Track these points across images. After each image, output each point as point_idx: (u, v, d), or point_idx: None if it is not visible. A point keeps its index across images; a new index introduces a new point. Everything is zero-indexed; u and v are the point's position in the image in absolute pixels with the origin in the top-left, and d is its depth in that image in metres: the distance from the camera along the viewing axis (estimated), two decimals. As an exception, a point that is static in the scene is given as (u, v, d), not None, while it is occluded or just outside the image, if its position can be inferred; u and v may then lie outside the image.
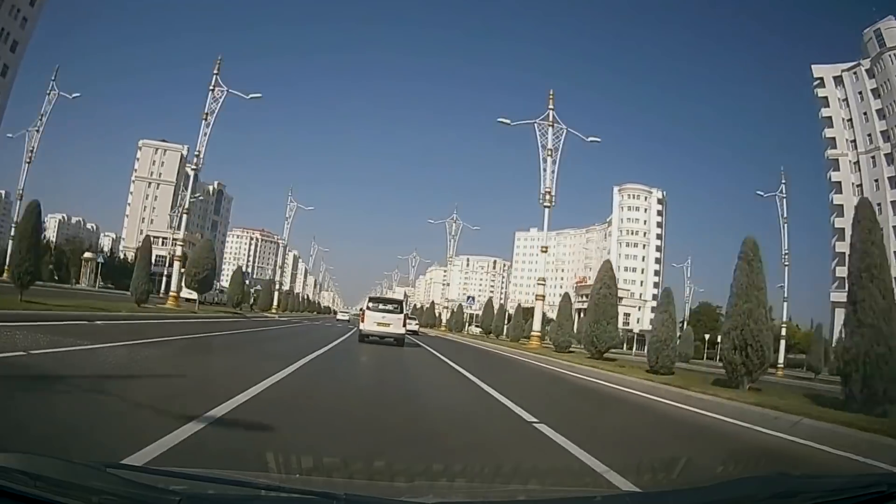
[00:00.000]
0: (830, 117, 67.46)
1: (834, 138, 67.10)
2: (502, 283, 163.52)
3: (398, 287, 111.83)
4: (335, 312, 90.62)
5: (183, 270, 30.90)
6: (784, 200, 41.34)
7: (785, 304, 42.94)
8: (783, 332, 41.65)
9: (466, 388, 10.72)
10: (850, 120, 65.94)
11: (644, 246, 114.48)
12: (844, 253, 67.07)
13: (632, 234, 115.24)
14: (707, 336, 61.82)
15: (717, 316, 72.43)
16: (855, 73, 65.43)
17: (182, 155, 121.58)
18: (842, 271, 64.40)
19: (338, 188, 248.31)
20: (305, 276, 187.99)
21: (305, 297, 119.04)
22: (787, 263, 42.10)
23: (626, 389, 12.19)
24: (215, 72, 30.64)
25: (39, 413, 4.45)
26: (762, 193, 42.29)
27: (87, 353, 8.38)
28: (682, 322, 67.51)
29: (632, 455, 5.16)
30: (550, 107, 30.70)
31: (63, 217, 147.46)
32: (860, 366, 8.98)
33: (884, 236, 11.23)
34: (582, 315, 75.07)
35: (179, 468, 2.12)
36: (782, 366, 38.82)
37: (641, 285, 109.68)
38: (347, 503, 1.66)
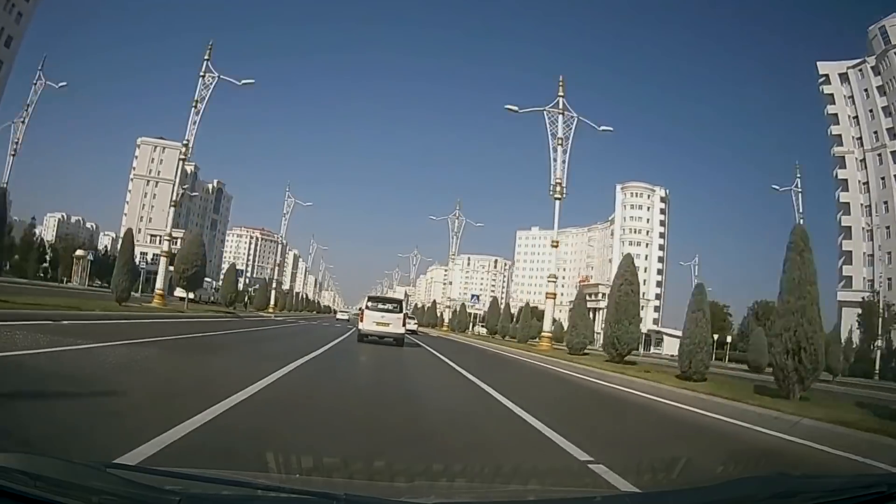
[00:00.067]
0: (836, 114, 67.11)
1: (840, 135, 66.74)
2: (503, 282, 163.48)
3: (399, 287, 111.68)
4: (335, 312, 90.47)
5: (172, 267, 29.38)
6: (800, 195, 41.07)
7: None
8: None
9: (486, 409, 7.97)
10: (857, 117, 65.58)
11: (647, 245, 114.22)
12: (851, 252, 65.97)
13: (635, 232, 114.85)
14: (716, 336, 60.09)
15: (724, 316, 71.73)
16: (860, 70, 65.09)
17: (186, 157, 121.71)
18: (848, 270, 63.87)
19: (338, 188, 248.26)
20: (306, 276, 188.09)
21: (305, 296, 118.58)
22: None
23: (673, 403, 10.27)
24: (206, 57, 29.36)
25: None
26: (777, 188, 41.69)
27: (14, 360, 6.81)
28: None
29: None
30: (560, 94, 29.20)
31: (62, 216, 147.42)
32: None
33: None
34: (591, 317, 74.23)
35: (179, 468, 2.12)
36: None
37: (644, 284, 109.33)
38: (347, 503, 1.65)
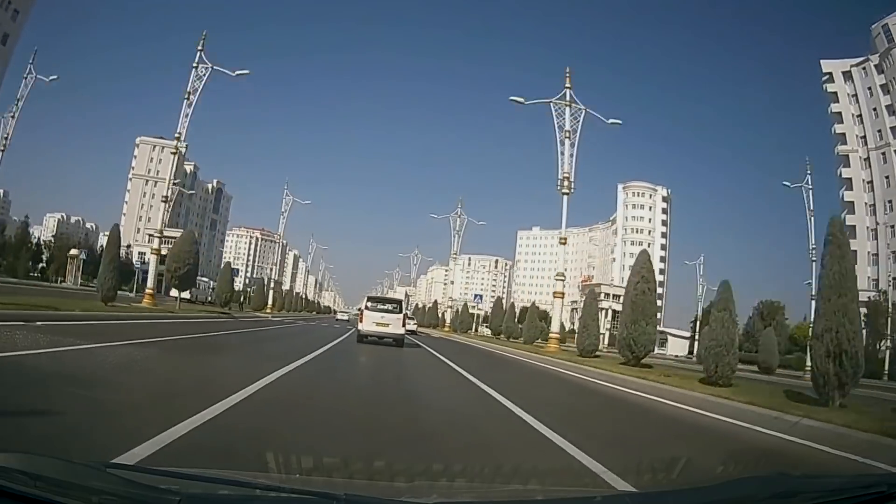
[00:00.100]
0: (840, 113, 66.70)
1: (844, 134, 66.25)
2: (504, 282, 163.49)
3: (399, 287, 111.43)
4: (335, 312, 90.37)
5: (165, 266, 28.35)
6: (811, 192, 39.39)
7: (813, 302, 41.28)
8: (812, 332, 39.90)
9: (509, 433, 6.33)
10: (860, 115, 65.21)
11: (649, 244, 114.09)
12: (856, 251, 64.92)
13: (636, 232, 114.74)
14: None
15: None
16: (864, 68, 64.73)
17: (181, 152, 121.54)
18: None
19: (338, 188, 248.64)
20: (306, 276, 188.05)
21: (304, 296, 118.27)
22: (815, 259, 39.43)
23: (710, 414, 9.10)
24: (199, 48, 28.39)
25: None
26: (788, 184, 39.99)
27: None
28: (696, 321, 65.22)
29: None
30: (567, 85, 28.15)
31: (62, 217, 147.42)
32: None
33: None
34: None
35: (179, 468, 2.12)
36: (808, 367, 36.37)
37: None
38: (347, 503, 1.65)
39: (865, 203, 64.30)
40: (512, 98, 29.24)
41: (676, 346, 68.81)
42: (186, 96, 28.18)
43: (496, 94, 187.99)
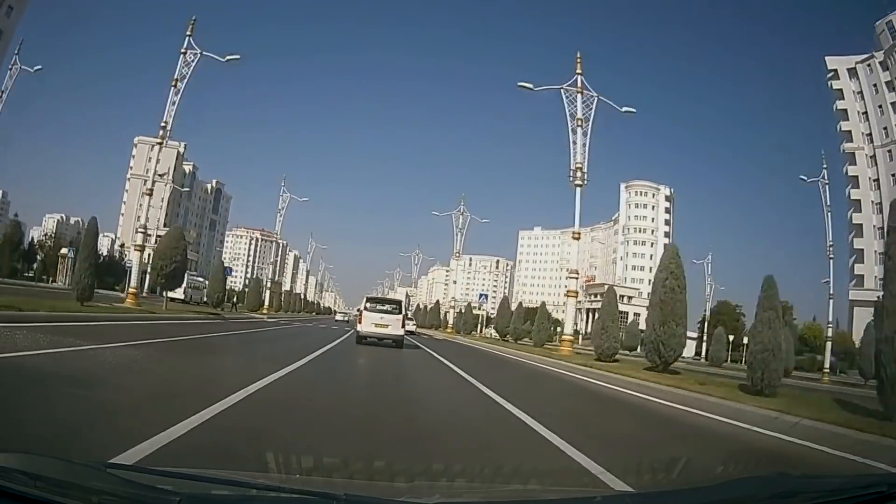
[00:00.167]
0: (846, 110, 66.00)
1: (850, 131, 65.48)
2: (505, 282, 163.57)
3: (400, 287, 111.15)
4: (334, 313, 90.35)
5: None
6: (827, 187, 37.68)
7: (831, 301, 39.19)
8: (829, 333, 39.07)
9: (543, 459, 5.02)
10: (866, 113, 64.61)
11: (652, 244, 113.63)
12: (863, 250, 60.56)
13: (639, 231, 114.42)
14: (731, 337, 53.92)
15: (738, 316, 70.33)
16: (868, 65, 64.16)
17: (179, 152, 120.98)
18: (860, 268, 62.47)
19: (338, 188, 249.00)
20: (307, 277, 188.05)
21: (303, 297, 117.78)
22: (831, 256, 37.91)
23: (786, 438, 7.34)
24: (188, 33, 26.97)
25: None
26: (805, 178, 38.43)
27: None
28: (703, 322, 65.01)
29: None
30: (578, 71, 26.53)
31: (61, 217, 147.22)
32: None
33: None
34: (594, 318, 71.06)
35: (179, 468, 2.12)
36: (828, 371, 35.74)
37: (649, 284, 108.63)
38: (347, 503, 1.65)
39: (872, 201, 63.49)
40: (521, 84, 27.74)
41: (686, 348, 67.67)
42: (174, 84, 26.69)
43: (496, 94, 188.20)
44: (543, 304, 44.65)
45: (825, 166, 38.51)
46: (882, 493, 1.87)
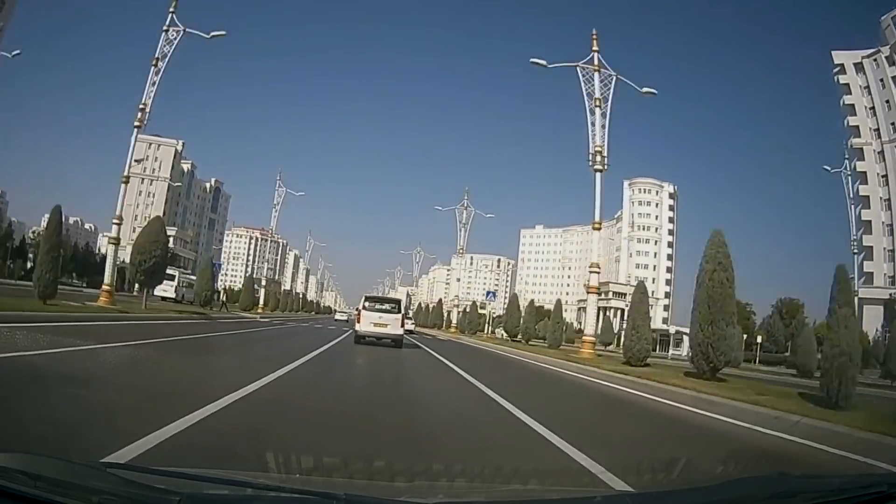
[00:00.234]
0: (853, 105, 65.01)
1: (857, 126, 64.31)
2: (507, 281, 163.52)
3: (401, 287, 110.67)
4: (334, 312, 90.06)
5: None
6: (849, 178, 37.24)
7: (856, 299, 39.30)
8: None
9: None
10: (873, 108, 63.67)
11: (656, 242, 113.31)
12: (872, 247, 58.68)
13: (643, 229, 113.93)
14: (745, 336, 54.09)
15: (748, 314, 69.78)
16: (875, 59, 63.39)
17: (177, 150, 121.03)
18: (870, 266, 60.46)
19: (338, 188, 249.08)
20: (307, 277, 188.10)
21: (302, 295, 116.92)
22: (855, 251, 36.77)
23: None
24: (171, 10, 25.53)
25: None
26: (829, 168, 37.69)
27: None
28: None
29: None
30: (595, 48, 24.60)
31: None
32: None
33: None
34: (603, 317, 69.25)
35: (179, 468, 2.12)
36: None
37: (654, 283, 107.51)
38: (347, 503, 1.65)
39: (881, 198, 62.52)
40: (533, 60, 25.82)
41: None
42: (154, 63, 25.02)
43: (496, 94, 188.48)
44: (559, 301, 42.26)
45: (847, 157, 37.04)
46: (882, 493, 1.87)
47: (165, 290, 45.42)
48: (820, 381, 10.53)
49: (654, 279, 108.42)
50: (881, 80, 63.03)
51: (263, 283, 56.79)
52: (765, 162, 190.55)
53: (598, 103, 24.13)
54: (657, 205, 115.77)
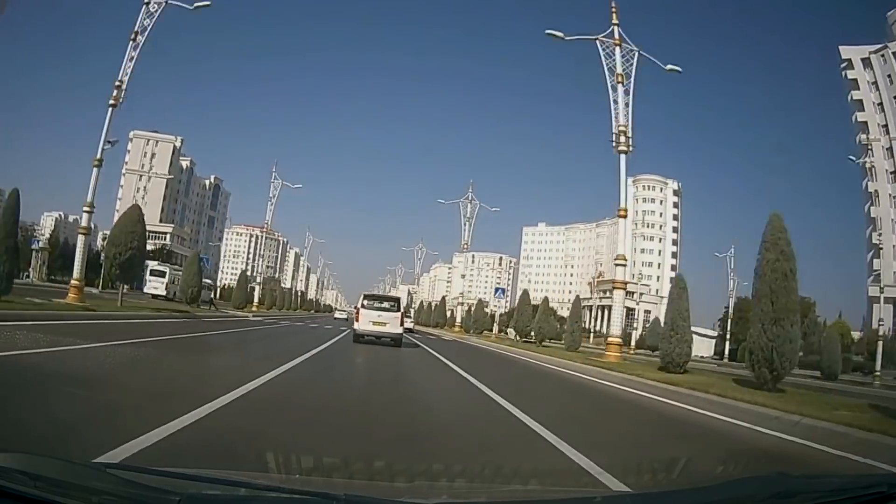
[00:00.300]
0: (861, 101, 64.59)
1: (866, 122, 63.67)
2: (509, 279, 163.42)
3: (402, 285, 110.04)
4: (334, 310, 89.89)
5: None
6: (873, 169, 36.52)
7: (873, 297, 38.01)
8: (880, 332, 37.25)
9: None
10: (881, 104, 63.29)
11: (660, 240, 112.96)
12: (880, 244, 56.95)
13: (647, 227, 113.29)
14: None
15: None
16: (882, 55, 63.06)
17: (175, 146, 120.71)
18: (878, 264, 58.43)
19: (338, 188, 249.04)
20: (308, 275, 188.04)
21: (301, 293, 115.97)
22: (881, 246, 36.92)
23: None
24: None
25: None
26: (853, 158, 36.14)
27: None
28: (724, 320, 61.73)
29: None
30: (615, 21, 22.60)
31: (59, 215, 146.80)
32: None
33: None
34: (606, 314, 67.57)
35: (179, 468, 2.12)
36: (878, 373, 33.61)
37: (658, 280, 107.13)
38: (347, 503, 1.65)
39: (890, 195, 61.75)
40: (549, 32, 23.46)
41: (702, 347, 63.44)
42: (133, 37, 22.95)
43: (497, 94, 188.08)
44: (578, 297, 38.82)
45: (869, 147, 35.75)
46: (882, 493, 1.87)
47: (156, 287, 44.80)
48: None
49: (658, 277, 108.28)
50: (889, 75, 62.64)
51: (259, 280, 55.07)
52: (765, 162, 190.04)
53: (620, 79, 22.03)
54: (661, 202, 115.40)
